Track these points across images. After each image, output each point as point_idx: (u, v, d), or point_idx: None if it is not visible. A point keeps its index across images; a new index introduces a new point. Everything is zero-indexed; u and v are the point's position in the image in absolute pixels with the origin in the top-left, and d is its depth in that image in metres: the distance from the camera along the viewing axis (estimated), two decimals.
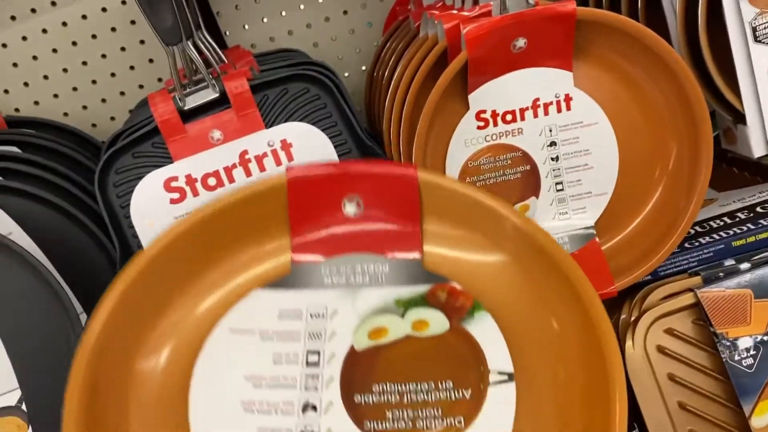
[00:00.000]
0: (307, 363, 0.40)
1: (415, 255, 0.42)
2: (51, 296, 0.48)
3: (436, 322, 0.41)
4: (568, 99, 0.50)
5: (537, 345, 0.40)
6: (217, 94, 0.52)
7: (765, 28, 0.50)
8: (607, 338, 0.37)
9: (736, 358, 0.50)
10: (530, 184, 0.52)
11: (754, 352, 0.50)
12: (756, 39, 0.50)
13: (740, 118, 0.53)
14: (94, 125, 0.72)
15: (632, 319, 0.53)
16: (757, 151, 0.53)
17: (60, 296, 0.48)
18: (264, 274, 0.43)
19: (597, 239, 0.52)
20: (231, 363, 0.40)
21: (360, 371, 0.40)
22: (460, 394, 0.39)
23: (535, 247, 0.40)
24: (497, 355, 0.40)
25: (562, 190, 0.52)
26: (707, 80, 0.52)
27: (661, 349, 0.52)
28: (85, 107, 0.71)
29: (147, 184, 0.52)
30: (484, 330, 0.41)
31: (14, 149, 0.57)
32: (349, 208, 0.43)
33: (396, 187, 0.42)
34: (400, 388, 0.39)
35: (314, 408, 0.39)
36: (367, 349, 0.40)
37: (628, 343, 0.51)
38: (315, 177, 0.42)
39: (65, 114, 0.71)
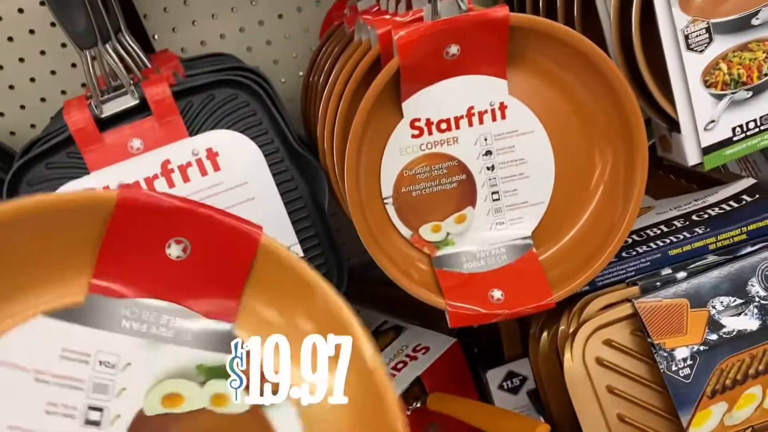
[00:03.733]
0: (87, 421, 0.35)
1: (226, 323, 0.39)
2: None
3: (237, 401, 0.38)
4: (502, 107, 0.49)
5: None
6: (137, 101, 0.49)
7: (697, 36, 0.50)
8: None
9: (674, 368, 0.49)
10: (467, 193, 0.51)
11: (691, 362, 0.49)
12: (689, 47, 0.50)
13: (675, 125, 0.52)
14: (12, 133, 0.68)
15: (570, 330, 0.52)
16: (692, 159, 0.53)
17: None
18: (52, 299, 0.36)
19: (534, 249, 0.51)
20: None
21: None
22: None
23: (373, 389, 0.37)
24: None
25: (498, 199, 0.51)
26: (642, 88, 0.52)
27: (599, 361, 0.51)
28: (1, 114, 0.67)
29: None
30: (285, 422, 0.38)
31: None
32: (174, 250, 0.38)
33: (231, 245, 0.38)
34: None
35: None
36: (158, 416, 0.37)
37: (567, 356, 0.51)
38: (150, 204, 0.36)
39: None
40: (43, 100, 0.67)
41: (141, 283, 0.38)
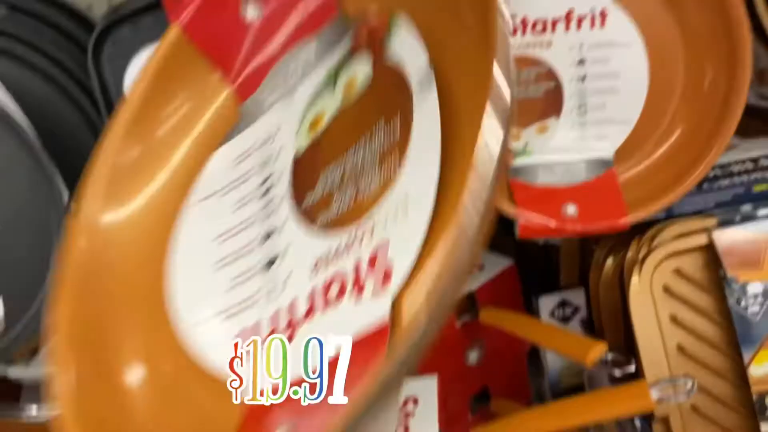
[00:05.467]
0: (264, 194, 0.38)
1: (330, 14, 0.39)
2: (35, 166, 0.45)
3: (361, 70, 0.37)
4: (603, 14, 0.47)
5: (455, 48, 0.34)
6: None
7: None
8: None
9: (743, 304, 0.48)
10: (552, 103, 0.50)
11: (762, 299, 0.48)
12: None
13: None
14: (89, 7, 0.67)
15: (640, 256, 0.51)
16: None
17: (44, 167, 0.45)
18: (215, 133, 0.41)
19: (614, 168, 0.50)
20: (201, 231, 0.39)
21: (305, 173, 0.37)
22: (390, 126, 0.34)
23: None
24: (416, 64, 0.34)
25: (585, 113, 0.50)
26: (750, 14, 0.49)
27: (666, 289, 0.50)
28: None
29: (145, 59, 0.49)
30: (402, 44, 0.36)
31: (2, 11, 0.53)
32: (251, 12, 0.40)
33: None
34: (339, 167, 0.36)
35: (271, 234, 0.37)
36: (308, 146, 0.38)
37: (634, 279, 0.50)
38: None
39: None
40: None
41: (262, 67, 0.40)
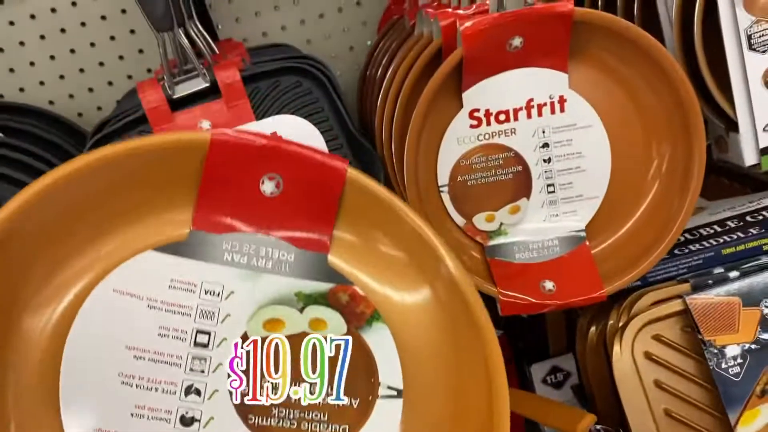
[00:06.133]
0: (196, 343, 0.39)
1: (321, 250, 0.42)
2: None
3: (334, 324, 0.41)
4: (562, 100, 0.50)
5: (433, 373, 0.41)
6: (208, 84, 0.51)
7: (760, 36, 0.50)
8: (501, 399, 0.39)
9: (723, 366, 0.49)
10: (522, 185, 0.52)
11: (741, 360, 0.50)
12: (751, 47, 0.50)
13: (732, 126, 0.53)
14: (80, 114, 0.70)
15: (620, 324, 0.52)
16: (749, 160, 0.53)
17: None
18: (159, 235, 0.40)
19: (587, 243, 0.52)
20: (111, 328, 0.38)
21: None
22: (348, 402, 0.40)
23: (459, 297, 0.40)
24: (389, 369, 0.41)
25: (553, 192, 0.52)
26: (701, 87, 0.52)
27: (648, 356, 0.51)
28: (71, 96, 0.70)
29: None
30: (380, 342, 0.41)
31: None
32: (267, 187, 0.41)
33: (320, 179, 0.41)
34: (288, 388, 0.39)
35: (198, 392, 0.38)
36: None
37: (616, 348, 0.51)
38: (242, 144, 0.40)
39: (51, 102, 0.70)
40: (110, 83, 0.70)
41: (240, 219, 0.41)
